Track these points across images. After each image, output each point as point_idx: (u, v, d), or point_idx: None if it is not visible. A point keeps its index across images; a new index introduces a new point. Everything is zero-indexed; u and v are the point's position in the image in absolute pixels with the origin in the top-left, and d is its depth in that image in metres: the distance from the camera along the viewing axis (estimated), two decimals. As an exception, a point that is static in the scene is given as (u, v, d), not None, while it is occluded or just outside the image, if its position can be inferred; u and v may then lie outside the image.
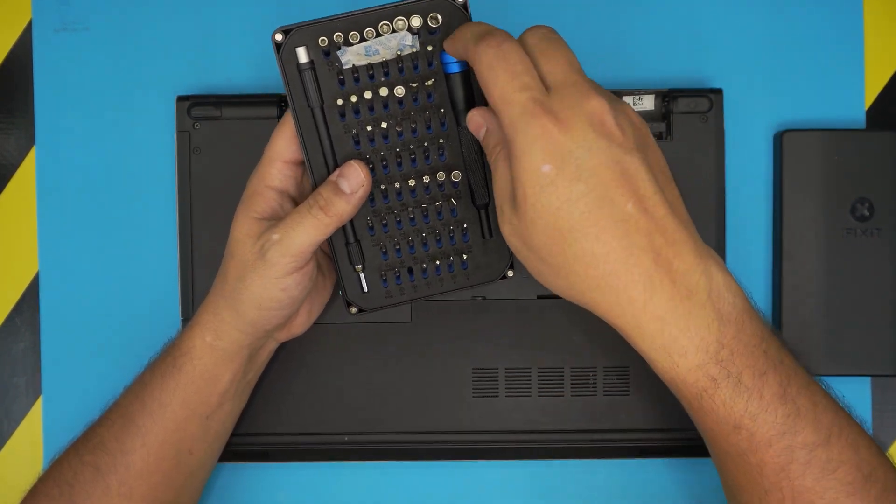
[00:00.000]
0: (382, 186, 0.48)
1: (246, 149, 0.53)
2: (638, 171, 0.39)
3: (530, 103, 0.39)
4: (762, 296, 0.58)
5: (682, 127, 0.56)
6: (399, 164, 0.48)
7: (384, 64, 0.46)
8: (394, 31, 0.45)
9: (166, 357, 0.50)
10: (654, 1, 0.58)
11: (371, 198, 0.48)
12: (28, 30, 0.59)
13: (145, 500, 0.49)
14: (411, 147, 0.47)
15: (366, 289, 0.50)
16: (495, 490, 0.58)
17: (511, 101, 0.39)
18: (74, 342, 0.58)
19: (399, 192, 0.48)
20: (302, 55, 0.46)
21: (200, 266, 0.56)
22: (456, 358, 0.56)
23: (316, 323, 0.55)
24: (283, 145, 0.48)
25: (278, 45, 0.46)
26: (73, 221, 0.58)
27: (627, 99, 0.56)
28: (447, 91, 0.47)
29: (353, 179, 0.46)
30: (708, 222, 0.56)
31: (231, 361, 0.50)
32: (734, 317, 0.40)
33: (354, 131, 0.47)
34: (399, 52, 0.46)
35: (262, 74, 0.58)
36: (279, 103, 0.55)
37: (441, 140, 0.47)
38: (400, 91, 0.46)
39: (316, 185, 0.47)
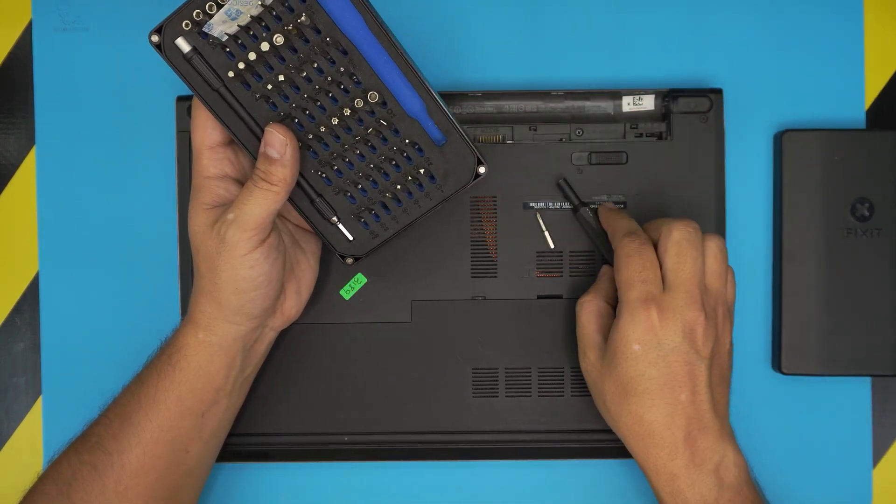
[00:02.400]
0: (311, 136, 0.48)
1: (246, 149, 0.53)
2: (700, 375, 0.49)
3: (645, 294, 0.49)
4: (762, 296, 0.58)
5: (682, 127, 0.56)
6: (321, 107, 0.48)
7: (259, 20, 0.46)
8: None
9: (161, 355, 0.50)
10: (654, 1, 0.58)
11: (311, 150, 0.49)
12: (28, 30, 0.59)
13: (141, 498, 0.49)
14: (319, 87, 0.48)
15: (350, 237, 0.50)
16: (495, 490, 0.58)
17: (632, 286, 0.49)
18: (74, 342, 0.58)
19: (335, 135, 0.49)
20: (183, 45, 0.47)
21: (200, 266, 0.55)
22: (456, 358, 0.56)
23: (316, 323, 0.55)
24: (201, 135, 0.49)
25: (158, 46, 0.47)
26: (73, 221, 0.58)
27: (627, 99, 0.56)
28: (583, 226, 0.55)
29: (276, 143, 0.47)
30: (708, 222, 0.56)
31: (225, 355, 0.50)
32: (735, 484, 0.49)
33: (264, 95, 0.48)
34: (262, 3, 0.46)
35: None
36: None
37: (342, 69, 0.47)
38: (279, 39, 0.46)
39: (255, 159, 0.48)
